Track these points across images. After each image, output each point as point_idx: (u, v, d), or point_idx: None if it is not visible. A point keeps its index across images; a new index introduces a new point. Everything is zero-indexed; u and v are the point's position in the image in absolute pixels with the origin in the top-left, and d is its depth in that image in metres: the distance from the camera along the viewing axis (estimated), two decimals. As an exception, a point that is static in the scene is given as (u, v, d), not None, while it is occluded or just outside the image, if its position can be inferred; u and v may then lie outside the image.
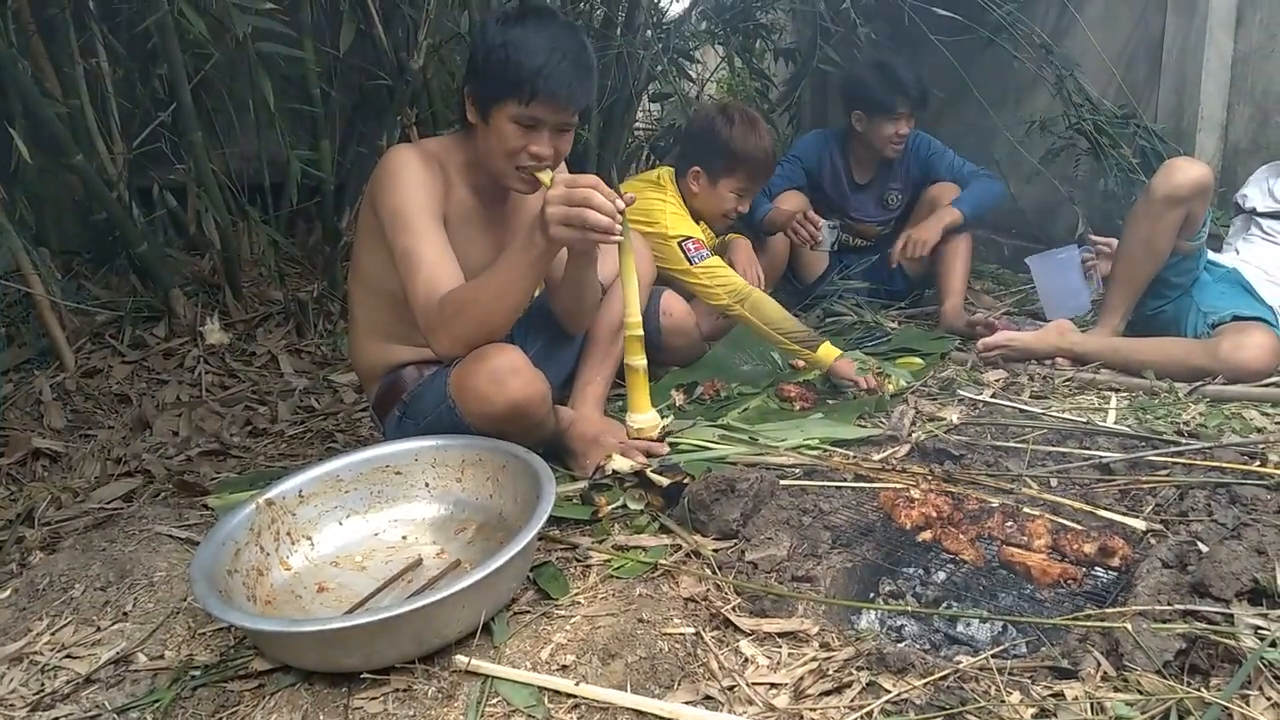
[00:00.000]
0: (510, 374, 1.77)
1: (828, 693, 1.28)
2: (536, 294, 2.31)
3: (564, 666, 1.38)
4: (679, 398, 2.56)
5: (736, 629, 1.44)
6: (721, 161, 2.78)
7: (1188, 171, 2.47)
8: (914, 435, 2.19)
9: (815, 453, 2.10)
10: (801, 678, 1.32)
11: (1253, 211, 2.81)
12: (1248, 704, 1.18)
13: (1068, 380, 2.54)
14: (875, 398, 2.41)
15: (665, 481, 1.83)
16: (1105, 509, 1.75)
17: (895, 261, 3.26)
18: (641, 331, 1.70)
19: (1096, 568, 1.57)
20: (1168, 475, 1.87)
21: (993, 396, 2.44)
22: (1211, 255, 2.74)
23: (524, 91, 1.74)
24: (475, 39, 1.81)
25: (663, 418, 2.36)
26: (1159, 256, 2.59)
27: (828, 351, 2.49)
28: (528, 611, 1.53)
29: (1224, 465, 1.86)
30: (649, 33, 3.99)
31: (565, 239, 1.63)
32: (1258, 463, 1.87)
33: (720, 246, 3.09)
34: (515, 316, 1.74)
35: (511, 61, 1.73)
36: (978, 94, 3.77)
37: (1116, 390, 2.46)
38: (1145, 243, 2.57)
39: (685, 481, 1.82)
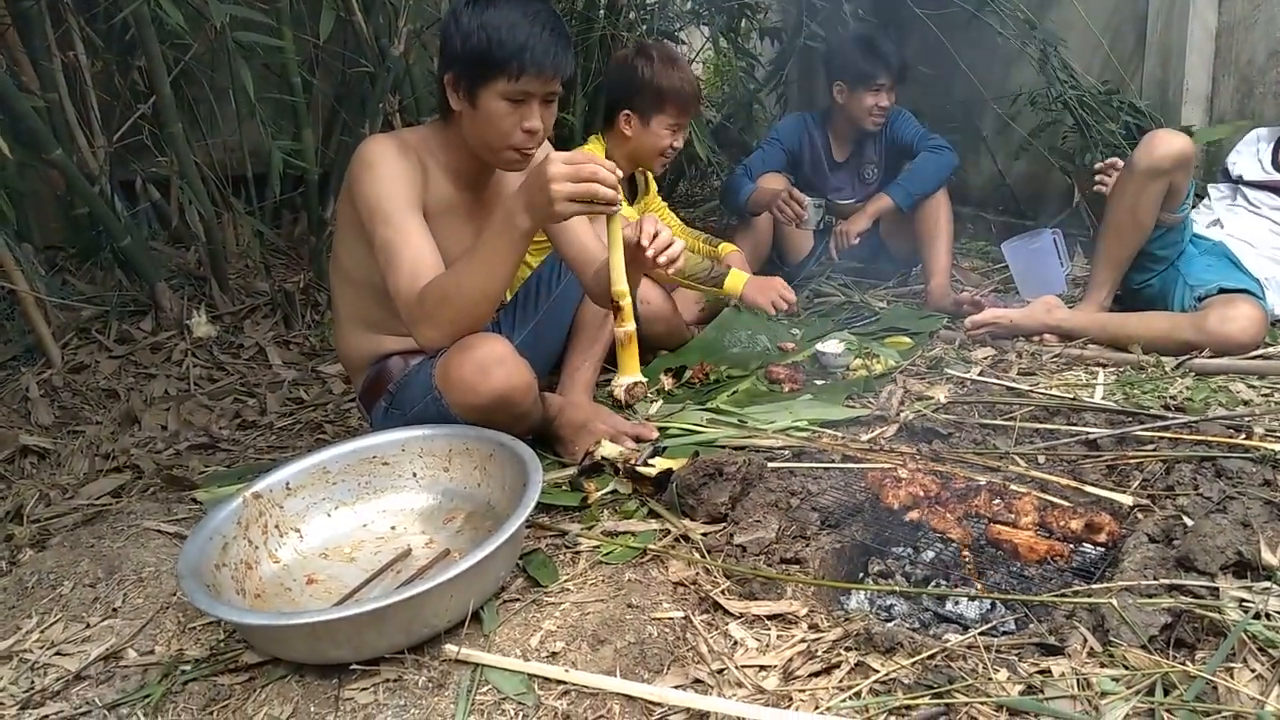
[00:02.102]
0: (495, 363, 1.77)
1: (816, 674, 1.29)
2: (520, 280, 2.31)
3: (554, 653, 1.38)
4: (668, 381, 2.56)
5: (725, 612, 1.45)
6: (649, 100, 2.78)
7: (1169, 143, 2.47)
8: (902, 415, 2.20)
9: (803, 434, 2.11)
10: (790, 659, 1.32)
11: (1239, 179, 2.80)
12: (1232, 676, 1.19)
13: (1055, 357, 2.55)
14: (792, 316, 2.55)
15: (653, 472, 1.83)
16: (1092, 485, 1.75)
17: (835, 258, 3.34)
18: (628, 300, 1.69)
19: (1083, 544, 1.58)
20: (1154, 450, 1.87)
21: (980, 374, 2.45)
22: (1197, 229, 2.74)
23: (511, 67, 1.74)
24: (448, 26, 1.80)
25: (650, 402, 2.37)
26: (1143, 229, 2.59)
27: (735, 280, 2.54)
28: (517, 599, 1.53)
29: (1210, 439, 1.87)
30: (632, 14, 3.97)
31: (570, 213, 1.62)
32: (1243, 436, 1.88)
33: (713, 259, 3.10)
34: (498, 302, 1.74)
35: (494, 41, 1.73)
36: (964, 68, 3.76)
37: (1104, 366, 2.47)
38: (1129, 216, 2.57)
39: (672, 469, 1.82)
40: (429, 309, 1.71)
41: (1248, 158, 2.79)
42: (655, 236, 1.72)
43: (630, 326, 1.69)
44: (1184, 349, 2.43)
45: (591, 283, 2.02)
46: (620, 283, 1.67)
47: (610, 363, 2.35)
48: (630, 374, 1.74)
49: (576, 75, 3.82)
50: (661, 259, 1.72)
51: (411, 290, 1.72)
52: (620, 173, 1.64)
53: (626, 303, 1.68)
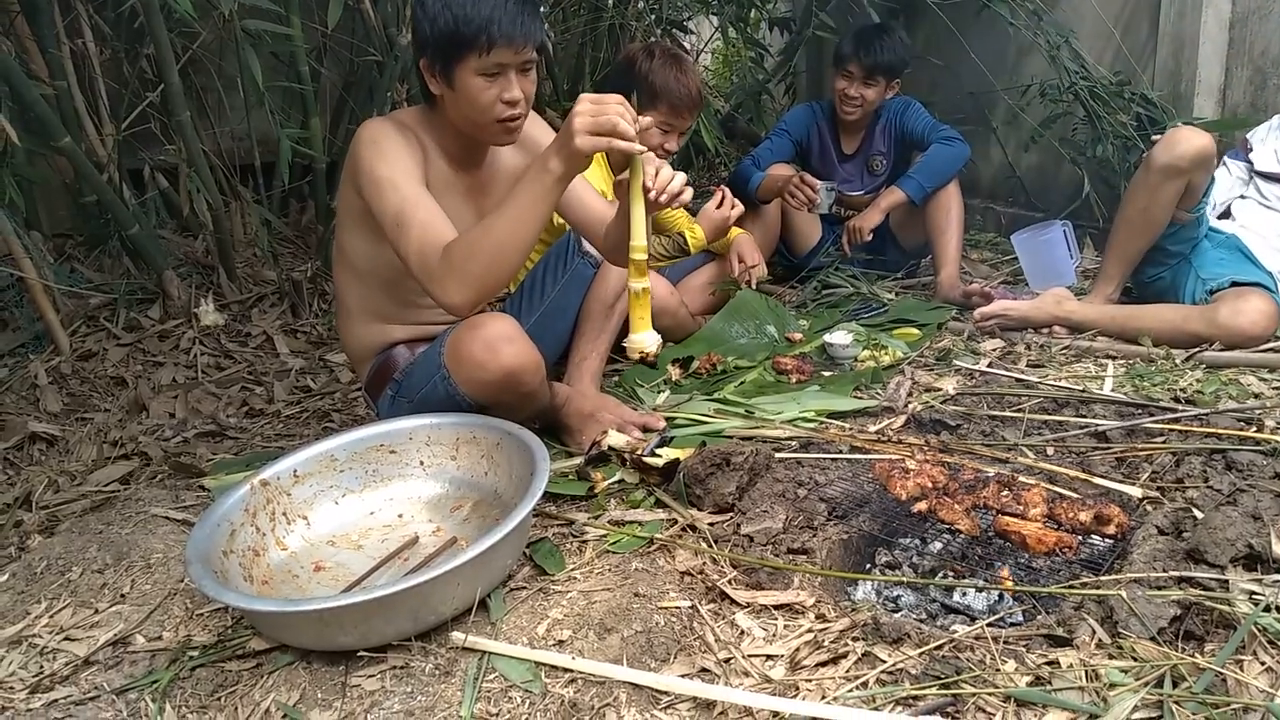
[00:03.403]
0: (504, 341, 1.78)
1: (823, 664, 1.29)
2: (525, 270, 2.30)
3: (560, 641, 1.38)
4: (675, 372, 2.56)
5: (732, 602, 1.45)
6: (643, 95, 2.76)
7: (1190, 141, 2.42)
8: (910, 406, 2.19)
9: (811, 425, 2.10)
10: (797, 649, 1.32)
11: (1252, 167, 2.77)
12: (1241, 669, 1.19)
13: (1064, 349, 2.54)
14: (758, 275, 2.68)
15: (660, 462, 1.82)
16: (1101, 477, 1.75)
17: (848, 253, 3.32)
18: (645, 256, 1.67)
19: (1092, 536, 1.57)
20: (1164, 442, 1.87)
21: (989, 366, 2.44)
22: (1213, 222, 2.71)
23: (480, 42, 1.73)
24: (416, 12, 1.80)
25: (659, 393, 2.37)
26: (1156, 226, 2.57)
27: (697, 236, 2.67)
28: (524, 587, 1.53)
29: (1220, 431, 1.86)
30: (641, 3, 3.95)
31: (591, 147, 1.59)
32: (1254, 428, 1.87)
33: (722, 241, 3.10)
34: (527, 254, 1.70)
35: (459, 19, 1.72)
36: (975, 58, 3.73)
37: (1113, 358, 2.45)
38: (1143, 212, 2.55)
39: (679, 459, 1.82)
40: (456, 263, 1.66)
41: (1267, 148, 2.75)
42: (655, 175, 1.68)
43: (646, 283, 1.67)
44: (1194, 341, 2.41)
45: (603, 242, 2.02)
46: (640, 237, 1.65)
47: (618, 352, 2.36)
48: (641, 331, 1.71)
49: (585, 64, 3.82)
50: (663, 199, 1.68)
51: (431, 251, 1.68)
52: (644, 120, 1.63)
53: (642, 258, 1.67)
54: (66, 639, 1.52)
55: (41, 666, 1.46)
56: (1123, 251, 2.66)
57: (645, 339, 1.69)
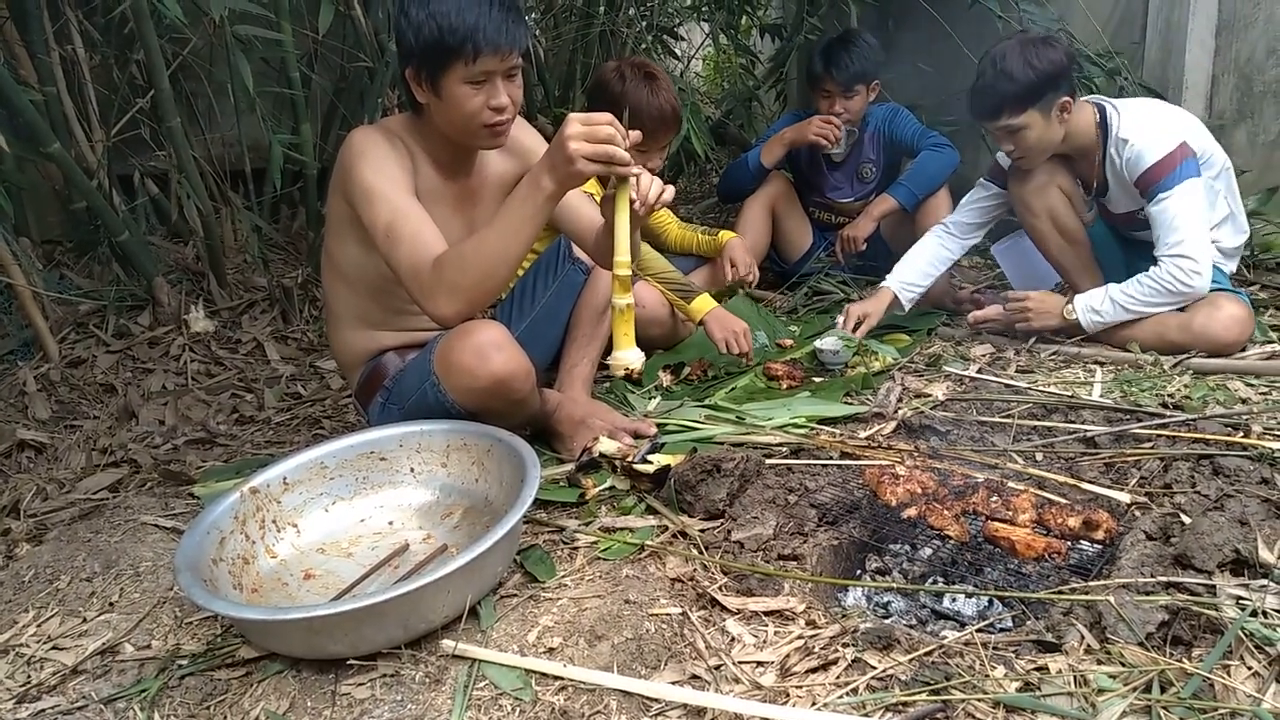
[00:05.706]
0: (494, 349, 1.78)
1: (814, 670, 1.29)
2: (520, 273, 2.30)
3: (551, 649, 1.38)
4: (666, 378, 2.56)
5: (723, 608, 1.45)
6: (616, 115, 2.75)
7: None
8: (900, 412, 2.20)
9: (802, 431, 2.11)
10: (788, 656, 1.32)
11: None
12: (1229, 674, 1.19)
13: (1053, 354, 2.55)
14: (747, 359, 2.55)
15: (651, 468, 1.82)
16: (1090, 482, 1.75)
17: (842, 262, 3.34)
18: (628, 271, 1.67)
19: (1081, 541, 1.58)
20: (1152, 448, 1.87)
21: (979, 372, 2.45)
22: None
23: (466, 51, 1.73)
24: (399, 21, 1.79)
25: (649, 400, 2.37)
26: (1076, 229, 2.68)
27: (702, 304, 2.59)
28: (515, 595, 1.53)
29: (1208, 437, 1.87)
30: (632, 10, 3.96)
31: (590, 172, 1.61)
32: (1241, 434, 1.88)
33: (713, 246, 3.10)
34: (517, 266, 1.70)
35: (444, 29, 1.72)
36: (968, 52, 3.74)
37: (1102, 364, 2.47)
38: (1054, 225, 2.67)
39: (670, 465, 1.82)
40: (448, 276, 1.67)
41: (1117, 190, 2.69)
42: (637, 184, 1.67)
43: (629, 299, 1.67)
44: (1177, 349, 2.43)
45: (594, 250, 2.03)
46: (623, 253, 1.65)
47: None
48: (625, 348, 1.71)
49: (576, 71, 3.82)
50: (643, 210, 1.68)
51: (421, 263, 1.69)
52: (633, 135, 1.63)
53: (626, 274, 1.67)
54: (54, 648, 1.51)
55: (29, 676, 1.45)
56: (1074, 268, 2.73)
57: (629, 356, 1.69)
